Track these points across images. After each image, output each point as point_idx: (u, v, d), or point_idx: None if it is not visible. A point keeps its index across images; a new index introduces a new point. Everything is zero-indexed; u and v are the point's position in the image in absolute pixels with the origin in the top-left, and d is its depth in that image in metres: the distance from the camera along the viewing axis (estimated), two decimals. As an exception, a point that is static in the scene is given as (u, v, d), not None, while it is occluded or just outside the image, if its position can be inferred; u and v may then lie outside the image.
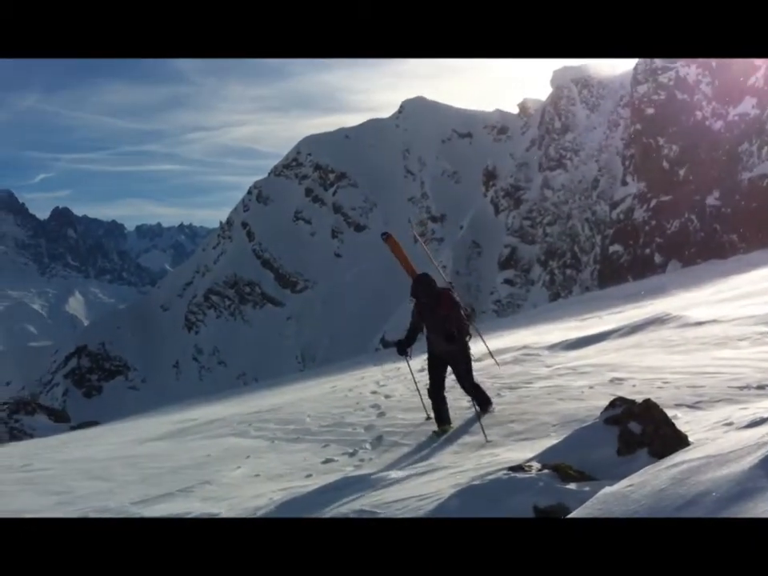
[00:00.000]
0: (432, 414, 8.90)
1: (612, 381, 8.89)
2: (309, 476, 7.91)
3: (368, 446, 8.81)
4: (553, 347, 12.91)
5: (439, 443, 8.11)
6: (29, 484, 10.28)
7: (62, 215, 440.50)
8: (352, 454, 8.61)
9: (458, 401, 10.16)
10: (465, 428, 8.48)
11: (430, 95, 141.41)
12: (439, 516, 4.72)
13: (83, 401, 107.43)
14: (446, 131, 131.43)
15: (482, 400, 8.79)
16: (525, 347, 13.52)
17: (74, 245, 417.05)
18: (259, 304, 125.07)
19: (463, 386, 8.86)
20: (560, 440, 5.67)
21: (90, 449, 14.40)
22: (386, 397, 11.83)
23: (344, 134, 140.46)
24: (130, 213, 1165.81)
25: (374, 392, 12.70)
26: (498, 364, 10.52)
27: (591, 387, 8.83)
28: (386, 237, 10.25)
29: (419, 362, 11.58)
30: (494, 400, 9.56)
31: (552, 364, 11.27)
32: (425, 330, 8.82)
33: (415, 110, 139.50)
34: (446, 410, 8.74)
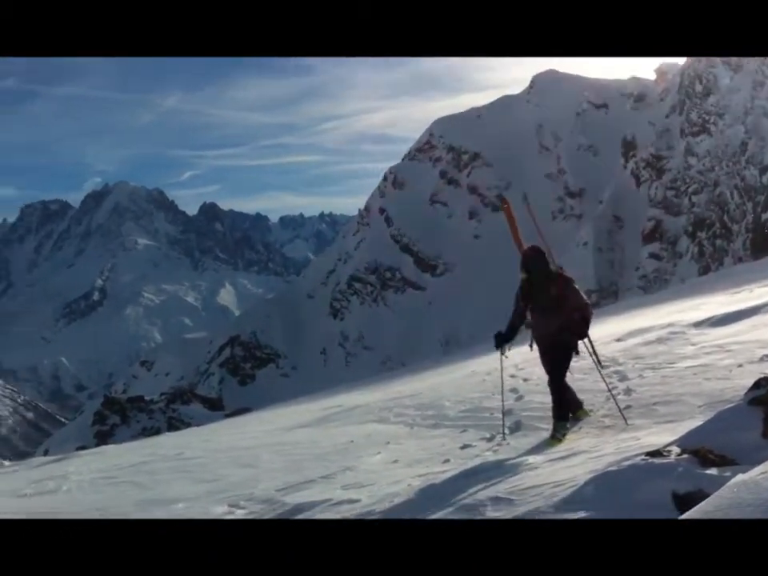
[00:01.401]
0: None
1: (762, 358, 8.42)
2: (446, 461, 7.93)
3: (506, 430, 8.73)
4: (699, 324, 12.35)
5: (579, 427, 7.94)
6: (182, 472, 10.81)
7: (209, 210, 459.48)
8: (490, 439, 8.57)
9: (598, 383, 9.92)
10: (605, 411, 8.27)
11: (562, 68, 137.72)
12: (573, 505, 4.64)
13: (238, 388, 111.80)
14: (580, 103, 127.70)
15: (560, 406, 7.86)
16: (669, 325, 13.02)
17: (222, 238, 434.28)
18: (400, 289, 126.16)
19: (550, 380, 7.93)
20: (703, 423, 5.45)
21: (239, 437, 14.98)
22: (525, 380, 11.69)
23: (475, 114, 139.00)
24: (273, 205, 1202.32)
25: (512, 375, 12.53)
26: (600, 367, 8.50)
27: (740, 366, 8.40)
28: (503, 202, 9.66)
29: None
30: (635, 381, 9.25)
31: (698, 342, 10.79)
32: (529, 316, 8.01)
33: (547, 83, 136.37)
34: (574, 394, 8.17)
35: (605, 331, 15.78)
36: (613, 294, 79.73)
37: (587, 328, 7.70)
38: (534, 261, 7.77)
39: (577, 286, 7.72)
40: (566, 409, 7.87)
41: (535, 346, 8.13)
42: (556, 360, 7.87)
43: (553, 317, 7.68)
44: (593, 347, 8.12)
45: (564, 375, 7.89)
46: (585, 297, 7.80)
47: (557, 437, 7.51)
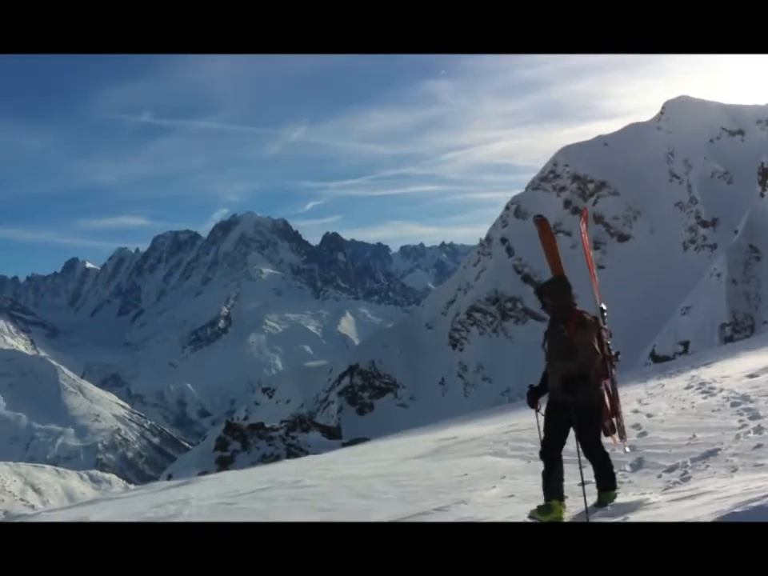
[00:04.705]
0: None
1: None
2: (565, 498, 7.67)
3: (628, 467, 8.40)
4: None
5: (705, 467, 7.53)
6: (298, 500, 10.87)
7: (332, 240, 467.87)
8: (610, 476, 8.25)
9: (726, 420, 9.43)
10: (734, 450, 7.82)
11: (694, 93, 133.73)
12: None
13: (356, 417, 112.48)
14: (714, 130, 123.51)
15: (604, 477, 6.66)
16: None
17: (343, 268, 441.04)
18: (521, 320, 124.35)
19: (585, 451, 6.50)
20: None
21: (355, 466, 15.01)
22: (648, 416, 11.25)
23: (602, 142, 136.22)
24: (394, 234, 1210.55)
25: (635, 411, 12.12)
26: (624, 442, 7.15)
27: None
28: (539, 220, 7.57)
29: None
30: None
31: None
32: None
33: (679, 109, 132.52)
34: (560, 479, 6.62)
35: (738, 367, 15.08)
36: (748, 328, 76.03)
37: (572, 386, 6.13)
38: (551, 289, 6.51)
39: (590, 330, 6.33)
40: (613, 475, 6.70)
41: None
42: (589, 427, 6.46)
43: (561, 366, 6.33)
44: (618, 428, 6.79)
45: (600, 437, 6.51)
46: (597, 348, 6.29)
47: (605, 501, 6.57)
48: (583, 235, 7.89)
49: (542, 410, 6.71)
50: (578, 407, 6.31)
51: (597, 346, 6.31)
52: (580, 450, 6.46)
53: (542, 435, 6.58)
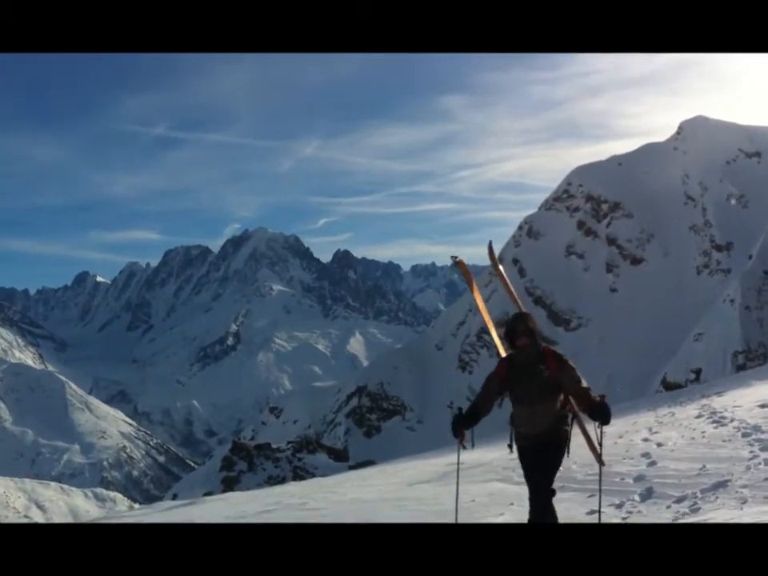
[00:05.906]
0: None
1: None
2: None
3: (636, 497, 8.33)
4: None
5: (715, 497, 7.44)
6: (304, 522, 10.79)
7: (343, 258, 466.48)
8: (619, 506, 8.19)
9: (737, 450, 9.31)
10: (745, 482, 7.73)
11: (712, 113, 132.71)
12: None
13: (364, 440, 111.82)
14: (730, 151, 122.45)
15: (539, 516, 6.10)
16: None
17: (354, 286, 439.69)
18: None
19: (540, 489, 6.05)
20: None
21: (362, 489, 14.91)
22: (658, 445, 11.14)
23: (617, 162, 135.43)
24: (405, 253, 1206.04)
25: (645, 439, 12.01)
26: (601, 464, 7.09)
27: None
28: (457, 261, 7.35)
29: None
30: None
31: None
32: (514, 407, 6.13)
33: (695, 130, 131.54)
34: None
35: (750, 396, 14.93)
36: (761, 356, 75.42)
37: (608, 413, 5.71)
38: (531, 331, 5.99)
39: (573, 365, 5.91)
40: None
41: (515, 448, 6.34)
42: (549, 465, 6.01)
43: (543, 408, 5.92)
44: (600, 440, 6.33)
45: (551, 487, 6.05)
46: (583, 380, 5.87)
47: None
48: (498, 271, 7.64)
49: (468, 445, 6.37)
50: (553, 446, 5.98)
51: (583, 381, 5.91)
52: (537, 487, 6.10)
53: (537, 479, 6.14)
